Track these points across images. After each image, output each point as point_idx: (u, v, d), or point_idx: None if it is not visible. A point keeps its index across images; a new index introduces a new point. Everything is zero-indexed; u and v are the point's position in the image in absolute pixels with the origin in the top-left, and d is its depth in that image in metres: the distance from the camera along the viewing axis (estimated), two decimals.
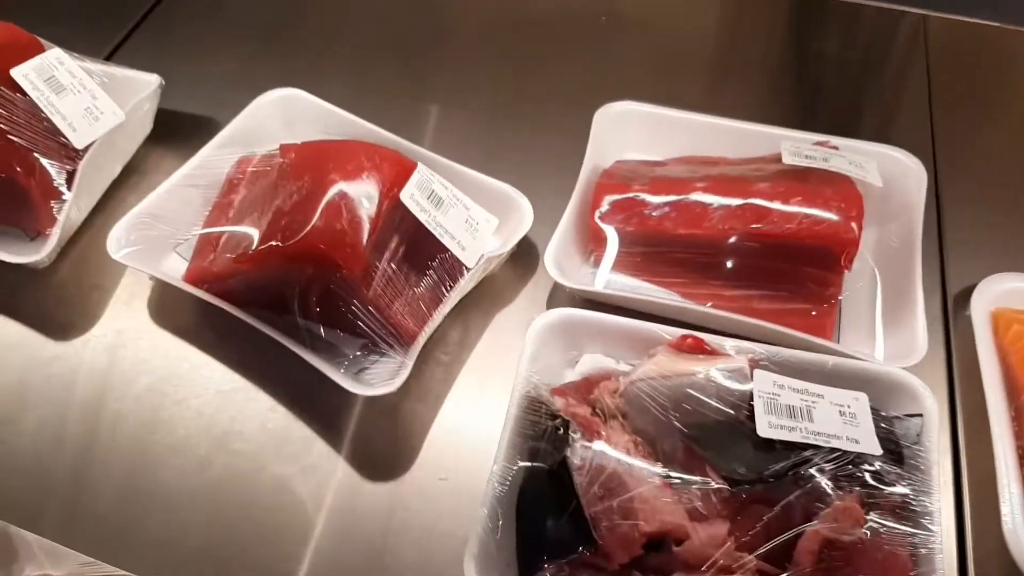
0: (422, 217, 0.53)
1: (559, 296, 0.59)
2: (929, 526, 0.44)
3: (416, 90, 0.75)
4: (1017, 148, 0.71)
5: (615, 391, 0.50)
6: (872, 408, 0.49)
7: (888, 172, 0.60)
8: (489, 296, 0.59)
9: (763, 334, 0.53)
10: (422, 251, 0.53)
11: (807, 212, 0.52)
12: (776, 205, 0.52)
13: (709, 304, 0.55)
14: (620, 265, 0.57)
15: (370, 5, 0.85)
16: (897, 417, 0.49)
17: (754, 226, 0.52)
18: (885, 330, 0.54)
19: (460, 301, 0.56)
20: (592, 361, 0.52)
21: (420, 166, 0.56)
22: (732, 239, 0.53)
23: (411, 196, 0.53)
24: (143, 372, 0.56)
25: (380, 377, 0.50)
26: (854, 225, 0.52)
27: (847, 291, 0.57)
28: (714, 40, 0.82)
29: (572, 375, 0.52)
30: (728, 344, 0.50)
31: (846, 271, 0.53)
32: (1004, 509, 0.47)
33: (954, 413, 0.54)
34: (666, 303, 0.55)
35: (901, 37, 0.81)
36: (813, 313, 0.53)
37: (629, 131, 0.66)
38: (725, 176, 0.56)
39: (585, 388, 0.51)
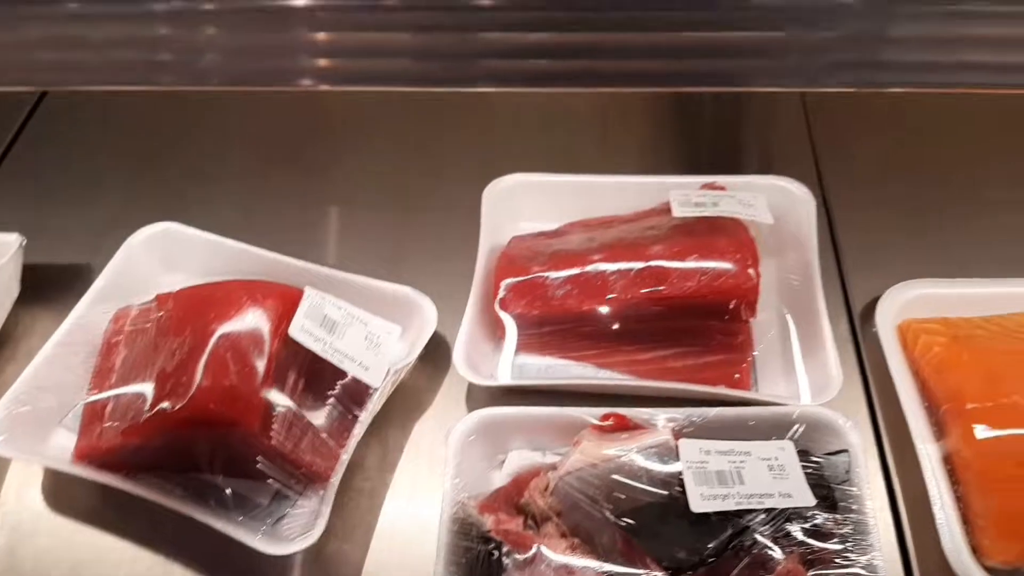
0: (316, 348, 0.51)
1: (478, 391, 0.56)
2: (872, 564, 0.43)
3: (309, 198, 0.71)
4: (898, 161, 0.71)
5: (545, 489, 0.50)
6: (801, 452, 0.49)
7: (778, 204, 0.61)
8: (404, 406, 0.56)
9: (683, 395, 0.52)
10: (323, 381, 0.51)
11: (704, 267, 0.52)
12: (673, 264, 0.52)
13: (624, 372, 0.54)
14: (531, 346, 0.56)
15: (246, 118, 0.80)
16: (826, 456, 0.49)
17: (655, 290, 0.52)
18: (806, 367, 0.54)
19: (374, 418, 0.54)
20: (519, 458, 0.50)
21: (308, 292, 0.53)
22: (636, 306, 0.53)
23: (301, 328, 0.51)
24: (48, 568, 0.50)
25: (298, 525, 0.47)
26: (751, 272, 0.52)
27: (761, 334, 0.56)
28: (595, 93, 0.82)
29: (500, 478, 0.50)
30: (650, 414, 0.49)
31: (752, 319, 0.54)
32: (940, 524, 0.46)
33: (879, 435, 0.54)
34: (585, 381, 0.54)
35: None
36: (729, 365, 0.53)
37: (522, 202, 0.65)
38: (621, 241, 0.56)
39: (515, 492, 0.49)
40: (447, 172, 0.73)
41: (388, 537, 0.51)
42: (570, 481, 0.48)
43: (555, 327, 0.55)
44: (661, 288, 0.52)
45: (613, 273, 0.53)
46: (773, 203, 0.60)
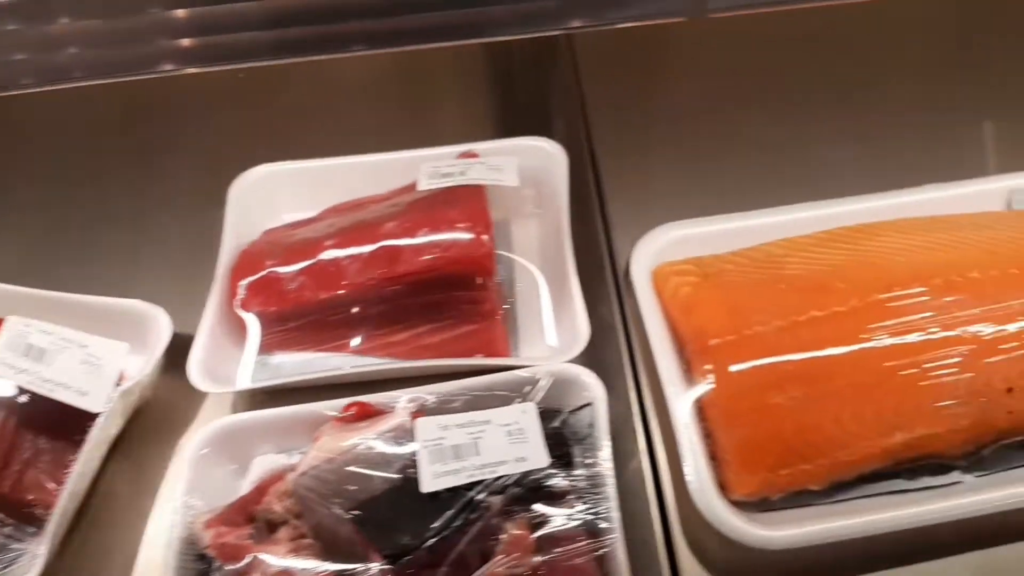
0: (21, 380, 0.48)
1: (239, 399, 0.52)
2: (608, 517, 0.43)
3: (37, 219, 0.66)
4: (667, 101, 0.70)
5: (284, 493, 0.48)
6: (547, 412, 0.48)
7: (534, 164, 0.59)
8: (158, 425, 0.53)
9: (436, 371, 0.50)
10: (38, 415, 0.48)
11: (435, 240, 0.50)
12: (405, 242, 0.51)
13: (381, 355, 0.52)
14: (283, 343, 0.54)
15: None
16: (571, 412, 0.48)
17: (389, 270, 0.50)
18: (558, 324, 0.54)
19: (125, 443, 0.50)
20: (263, 464, 0.48)
21: (9, 322, 0.50)
22: (373, 288, 0.51)
23: (1, 362, 0.48)
24: None
25: (18, 568, 0.44)
26: (484, 238, 0.51)
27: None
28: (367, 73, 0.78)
29: (246, 486, 0.48)
30: (390, 398, 0.48)
31: (492, 283, 0.52)
32: (687, 469, 0.46)
33: (639, 383, 0.54)
34: (335, 373, 0.52)
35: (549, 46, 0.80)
36: (483, 332, 0.52)
37: (278, 194, 0.62)
38: (358, 224, 0.54)
39: (254, 500, 0.47)
40: (208, 169, 0.67)
41: (123, 568, 0.47)
42: (305, 481, 0.46)
43: (300, 321, 0.53)
44: (395, 267, 0.50)
45: (346, 258, 0.51)
46: (530, 163, 0.59)
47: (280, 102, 0.75)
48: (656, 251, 0.56)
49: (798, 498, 0.47)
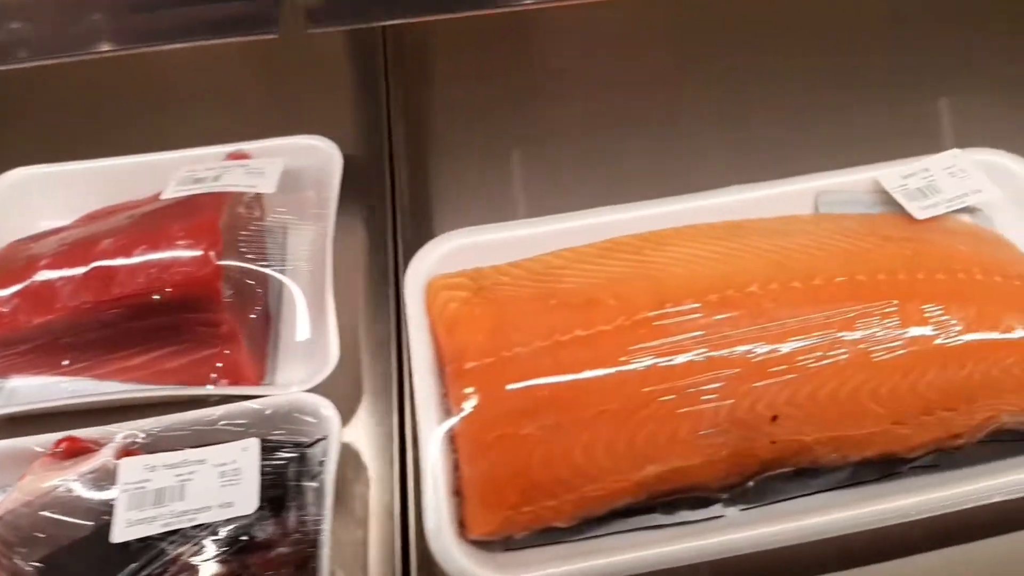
0: None
1: None
2: (315, 567, 0.39)
3: None
4: (476, 97, 0.66)
5: None
6: (278, 446, 0.43)
7: (310, 165, 0.55)
8: None
9: (163, 399, 0.46)
10: None
11: (154, 259, 0.45)
12: (120, 262, 0.46)
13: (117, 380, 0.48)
14: (17, 366, 0.48)
15: None
16: (306, 446, 0.43)
17: (104, 293, 0.45)
18: (315, 346, 0.48)
19: None
20: None
21: None
22: (91, 312, 0.46)
23: None
24: None
25: None
26: (212, 254, 0.46)
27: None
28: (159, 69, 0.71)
29: None
30: (103, 432, 0.43)
31: (224, 301, 0.47)
32: (427, 505, 0.41)
33: (402, 412, 0.49)
34: (38, 406, 0.46)
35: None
36: (226, 356, 0.48)
37: (40, 200, 0.56)
38: (81, 239, 0.48)
39: None
40: None
41: None
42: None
43: (30, 344, 0.47)
44: (109, 290, 0.45)
45: (59, 280, 0.45)
46: (308, 164, 0.54)
47: (45, 101, 0.68)
48: (437, 261, 0.51)
49: (548, 535, 0.43)
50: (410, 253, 0.52)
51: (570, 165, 0.62)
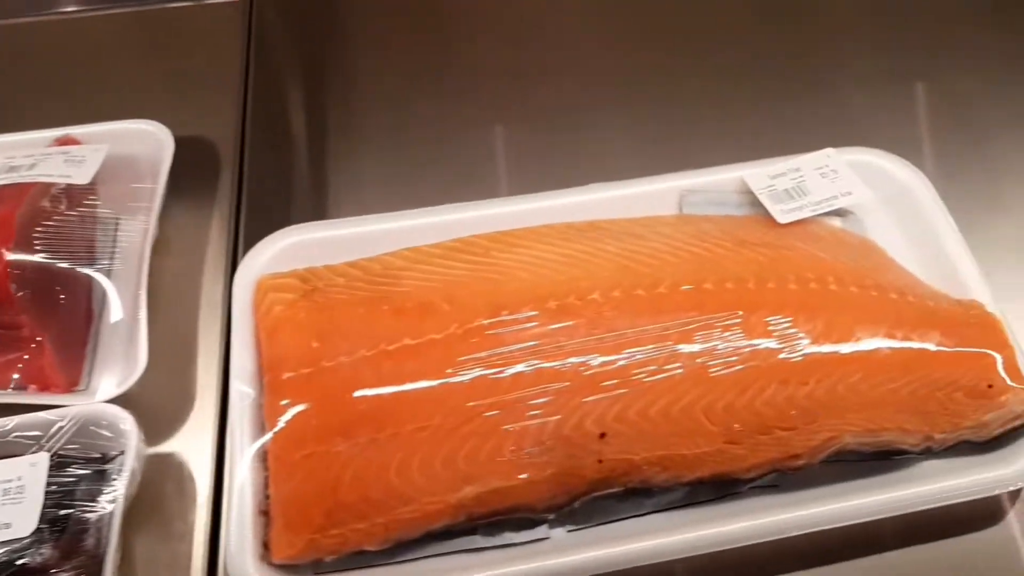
0: None
1: None
2: None
3: None
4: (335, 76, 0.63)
5: None
6: (72, 460, 0.40)
7: (145, 152, 0.51)
8: None
9: None
10: None
11: None
12: None
13: None
14: None
15: None
16: (104, 461, 0.41)
17: None
18: (130, 352, 0.45)
19: None
20: None
21: None
22: None
23: None
24: None
25: None
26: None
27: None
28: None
29: None
30: None
31: (26, 302, 0.43)
32: (231, 527, 0.39)
33: (223, 424, 0.45)
34: None
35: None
36: (30, 361, 0.44)
37: None
38: None
39: None
40: None
41: None
42: None
43: None
44: None
45: None
46: (143, 151, 0.50)
47: None
48: (274, 258, 0.47)
49: (359, 558, 0.40)
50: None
51: (445, 160, 0.58)
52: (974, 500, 0.43)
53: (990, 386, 0.43)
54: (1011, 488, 0.43)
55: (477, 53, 0.65)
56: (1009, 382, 0.43)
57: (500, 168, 0.57)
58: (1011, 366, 0.44)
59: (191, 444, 0.46)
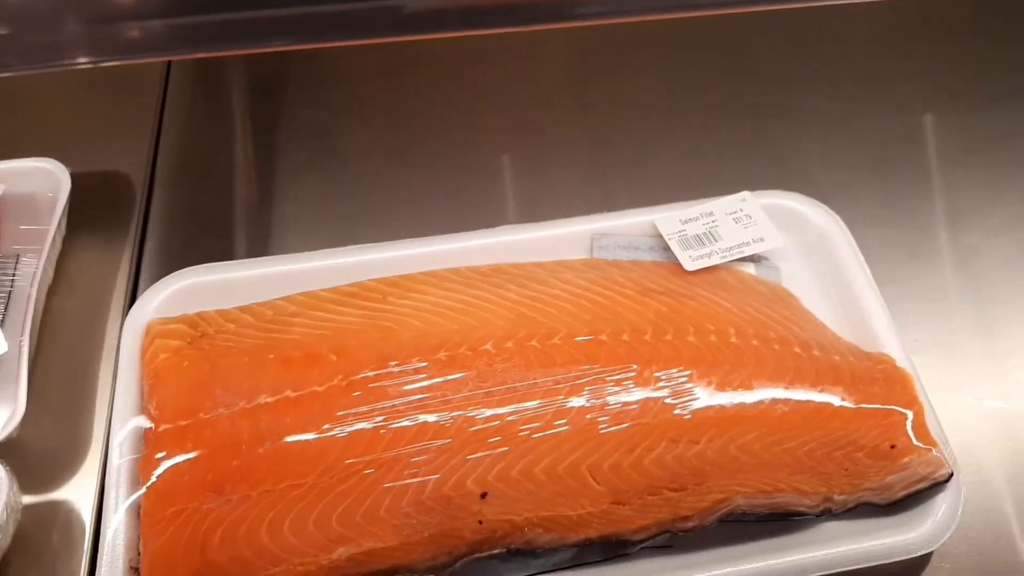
0: None
1: None
2: None
3: None
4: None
5: None
6: None
7: (35, 187, 0.49)
8: None
9: None
10: None
11: None
12: None
13: None
14: None
15: None
16: None
17: None
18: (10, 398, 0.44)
19: None
20: None
21: None
22: None
23: None
24: None
25: None
26: None
27: None
28: None
29: None
30: None
31: None
32: None
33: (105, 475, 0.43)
34: None
35: None
36: None
37: None
38: None
39: None
40: None
41: None
42: None
43: None
44: None
45: None
46: (37, 189, 0.49)
47: None
48: (167, 301, 0.46)
49: None
50: None
51: (374, 196, 0.56)
52: (879, 566, 0.41)
53: (892, 446, 0.41)
54: (916, 554, 0.41)
55: (395, 86, 0.63)
56: (914, 441, 0.42)
57: (418, 208, 0.55)
58: (919, 424, 0.43)
59: (75, 493, 0.44)
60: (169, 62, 0.62)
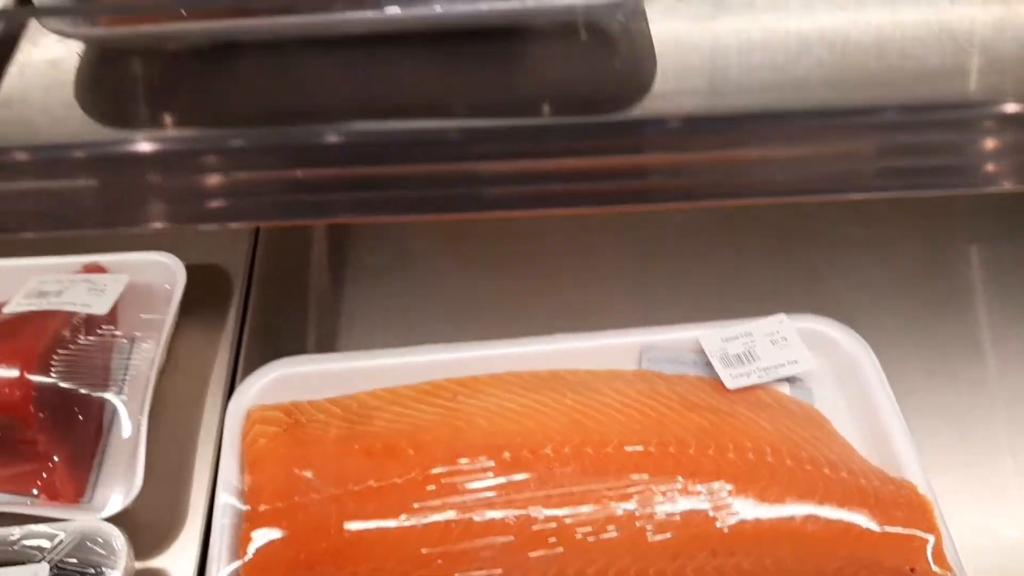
0: None
1: None
2: None
3: None
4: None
5: None
6: (70, 572, 0.44)
7: (151, 279, 0.56)
8: None
9: None
10: None
11: None
12: None
13: None
14: None
15: None
16: None
17: None
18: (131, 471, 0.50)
19: None
20: None
21: None
22: None
23: None
24: None
25: None
26: (29, 377, 0.47)
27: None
28: None
29: None
30: None
31: (44, 421, 0.48)
32: None
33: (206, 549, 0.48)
34: None
35: None
36: (46, 473, 0.48)
37: None
38: None
39: None
40: None
41: None
42: None
43: None
44: None
45: None
46: (154, 280, 0.55)
47: None
48: (266, 389, 0.52)
49: None
50: None
51: (444, 301, 0.61)
52: None
53: (912, 570, 0.45)
54: None
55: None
56: (933, 567, 0.45)
57: (489, 312, 0.60)
58: (938, 551, 0.46)
59: (178, 563, 0.49)
60: None
